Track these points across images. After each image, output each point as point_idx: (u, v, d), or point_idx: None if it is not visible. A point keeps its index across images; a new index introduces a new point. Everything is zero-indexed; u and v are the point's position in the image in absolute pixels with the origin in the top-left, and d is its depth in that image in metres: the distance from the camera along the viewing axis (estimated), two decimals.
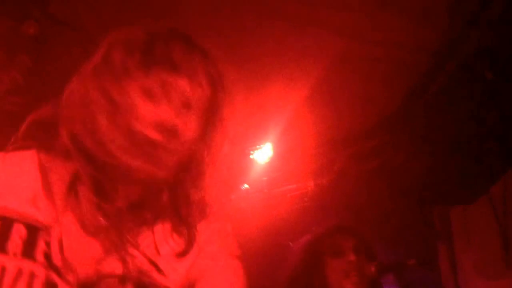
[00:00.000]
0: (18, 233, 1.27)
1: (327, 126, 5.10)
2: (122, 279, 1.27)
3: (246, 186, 5.28)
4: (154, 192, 1.45)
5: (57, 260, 1.25)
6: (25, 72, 4.07)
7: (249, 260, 5.47)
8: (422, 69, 4.48)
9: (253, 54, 4.33)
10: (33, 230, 1.28)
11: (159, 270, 1.34)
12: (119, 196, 1.38)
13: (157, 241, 1.39)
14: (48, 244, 1.27)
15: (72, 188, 1.37)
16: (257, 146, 5.10)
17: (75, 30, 4.25)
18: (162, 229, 1.43)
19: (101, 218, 1.34)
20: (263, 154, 5.14)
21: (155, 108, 1.38)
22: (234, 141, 5.33)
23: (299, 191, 5.34)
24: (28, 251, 1.26)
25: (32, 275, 1.22)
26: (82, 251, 1.29)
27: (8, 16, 4.13)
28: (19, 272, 1.22)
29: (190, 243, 1.43)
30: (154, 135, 1.36)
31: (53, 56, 4.20)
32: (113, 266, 1.30)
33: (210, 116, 1.55)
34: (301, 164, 5.25)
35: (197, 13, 3.97)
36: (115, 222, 1.35)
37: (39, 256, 1.25)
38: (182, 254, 1.41)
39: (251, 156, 5.11)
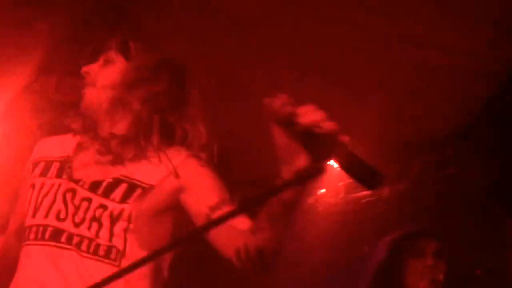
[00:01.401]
0: (55, 165, 2.20)
1: (404, 133, 5.17)
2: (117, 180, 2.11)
3: (323, 190, 5.41)
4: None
5: (76, 176, 2.15)
6: None
7: (325, 264, 5.60)
8: (500, 79, 4.50)
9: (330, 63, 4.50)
10: (64, 162, 2.20)
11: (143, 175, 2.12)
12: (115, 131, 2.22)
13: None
14: (71, 168, 2.18)
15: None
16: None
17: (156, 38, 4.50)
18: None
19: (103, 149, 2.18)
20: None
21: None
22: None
23: (374, 197, 5.42)
24: (59, 173, 2.18)
25: (59, 185, 2.13)
26: (92, 171, 2.15)
27: (98, 27, 4.41)
28: (53, 185, 2.14)
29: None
30: None
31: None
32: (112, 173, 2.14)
33: None
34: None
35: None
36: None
37: (65, 176, 2.16)
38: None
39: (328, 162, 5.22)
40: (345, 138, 1.60)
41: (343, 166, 1.57)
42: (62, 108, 4.14)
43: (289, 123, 1.60)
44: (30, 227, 2.10)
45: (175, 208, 2.12)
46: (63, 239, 2.03)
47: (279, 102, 1.61)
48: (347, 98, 4.59)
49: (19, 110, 4.30)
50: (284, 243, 1.90)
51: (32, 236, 2.08)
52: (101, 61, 2.31)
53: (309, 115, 1.57)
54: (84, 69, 2.27)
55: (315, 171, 1.63)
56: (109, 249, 2.01)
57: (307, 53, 4.54)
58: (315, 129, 1.56)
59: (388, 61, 4.35)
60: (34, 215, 2.10)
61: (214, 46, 4.49)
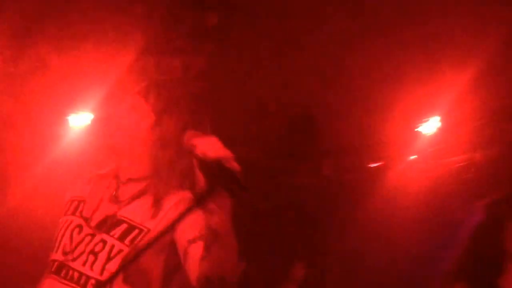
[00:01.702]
0: (73, 204, 2.40)
1: (496, 98, 5.14)
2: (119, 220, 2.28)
3: (413, 156, 5.46)
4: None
5: (86, 214, 2.33)
6: (209, 59, 4.50)
7: (415, 227, 5.65)
8: None
9: (425, 33, 4.52)
10: (80, 202, 2.39)
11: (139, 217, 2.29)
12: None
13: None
14: (84, 206, 2.36)
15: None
16: (425, 119, 5.27)
17: (250, 17, 4.62)
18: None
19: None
20: (430, 126, 5.30)
21: None
22: (402, 115, 5.50)
23: (465, 162, 5.43)
24: (74, 211, 2.38)
25: (71, 222, 2.33)
26: (99, 211, 2.33)
27: (192, 8, 4.57)
28: (67, 221, 2.35)
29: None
30: None
31: (233, 43, 4.59)
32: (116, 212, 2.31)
33: None
34: (468, 136, 5.33)
35: None
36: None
37: (77, 213, 2.35)
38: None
39: (418, 129, 5.30)
40: (234, 165, 1.94)
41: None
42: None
43: (192, 153, 2.02)
44: (49, 261, 2.35)
45: (168, 246, 2.25)
46: (63, 273, 2.25)
47: (186, 137, 2.06)
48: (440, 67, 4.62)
49: (125, 92, 4.51)
50: (234, 269, 2.07)
51: (48, 270, 2.32)
52: None
53: (201, 147, 1.97)
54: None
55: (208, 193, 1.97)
56: (97, 283, 2.20)
57: None
58: (206, 159, 1.94)
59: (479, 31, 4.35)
60: (53, 250, 2.34)
61: None
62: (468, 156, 5.43)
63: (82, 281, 2.21)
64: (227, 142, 1.93)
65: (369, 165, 5.76)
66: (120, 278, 2.19)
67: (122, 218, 2.28)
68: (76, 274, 2.23)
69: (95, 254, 2.23)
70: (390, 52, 4.84)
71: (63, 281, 2.24)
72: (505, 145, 5.30)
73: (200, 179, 2.00)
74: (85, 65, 4.73)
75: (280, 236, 5.97)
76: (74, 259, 2.25)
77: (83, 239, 2.27)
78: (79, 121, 5.44)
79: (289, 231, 6.03)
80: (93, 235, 2.27)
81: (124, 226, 2.26)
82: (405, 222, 5.50)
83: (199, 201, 2.01)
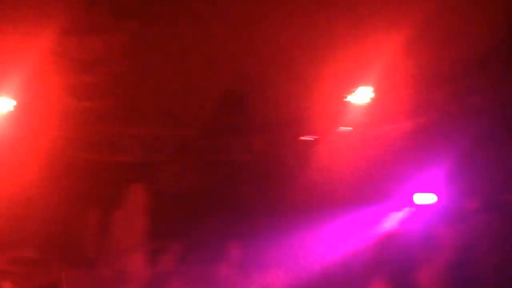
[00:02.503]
0: None
1: (426, 67, 5.15)
2: None
3: (345, 127, 5.42)
4: None
5: None
6: (132, 36, 4.31)
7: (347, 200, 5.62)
8: None
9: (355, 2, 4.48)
10: None
11: None
12: None
13: None
14: None
15: None
16: (356, 89, 5.24)
17: None
18: None
19: None
20: (362, 96, 5.28)
21: None
22: (334, 85, 5.43)
23: (398, 131, 5.43)
24: None
25: None
26: None
27: None
28: None
29: None
30: None
31: (157, 21, 4.41)
32: None
33: None
34: (400, 105, 5.33)
35: None
36: None
37: None
38: None
39: (349, 99, 5.26)
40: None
41: None
42: (85, 67, 4.14)
43: None
44: None
45: None
46: None
47: None
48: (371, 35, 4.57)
49: (46, 73, 4.30)
50: None
51: None
52: None
53: None
54: None
55: None
56: None
57: None
58: None
59: None
60: None
61: None
62: (400, 125, 5.42)
63: None
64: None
65: (301, 138, 5.68)
66: None
67: None
68: None
69: None
70: (319, 24, 4.77)
71: None
72: (433, 114, 5.34)
73: None
74: (3, 49, 4.45)
75: (214, 214, 5.87)
76: None
77: None
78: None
79: (223, 208, 5.94)
80: None
81: None
82: (337, 195, 5.50)
83: None
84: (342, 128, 5.50)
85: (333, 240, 5.46)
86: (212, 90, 5.50)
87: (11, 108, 5.06)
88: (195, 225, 5.45)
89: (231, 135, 5.81)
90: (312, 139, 5.57)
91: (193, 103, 5.39)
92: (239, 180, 5.91)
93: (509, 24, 4.85)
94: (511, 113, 5.21)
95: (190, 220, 5.46)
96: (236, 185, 5.88)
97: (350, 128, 5.45)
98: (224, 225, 5.64)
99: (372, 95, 5.24)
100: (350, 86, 5.26)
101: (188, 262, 5.31)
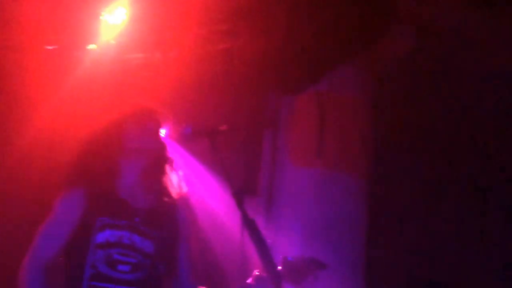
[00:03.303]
0: None
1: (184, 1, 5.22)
2: None
3: (93, 46, 5.40)
4: None
5: None
6: None
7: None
8: None
9: None
10: None
11: None
12: None
13: None
14: None
15: None
16: (111, 9, 5.20)
17: None
18: None
19: None
20: (116, 17, 5.25)
21: None
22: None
23: (145, 61, 5.51)
24: None
25: None
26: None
27: None
28: None
29: None
30: None
31: None
32: None
33: None
34: (152, 35, 5.40)
35: None
36: None
37: None
38: None
39: (102, 17, 5.22)
40: None
41: None
42: None
43: None
44: None
45: None
46: None
47: None
48: None
49: None
50: None
51: None
52: None
53: None
54: None
55: None
56: None
57: None
58: None
59: None
60: None
61: None
62: (148, 56, 5.51)
63: None
64: None
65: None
66: None
67: None
68: None
69: None
70: None
71: None
72: (185, 49, 5.45)
73: None
74: None
75: None
76: None
77: None
78: None
79: None
80: None
81: None
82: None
83: None
84: (90, 45, 5.44)
85: None
86: None
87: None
88: None
89: None
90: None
91: None
92: None
93: None
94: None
95: None
96: None
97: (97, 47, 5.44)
98: None
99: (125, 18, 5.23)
100: (106, 5, 5.23)
101: None
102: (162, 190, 3.20)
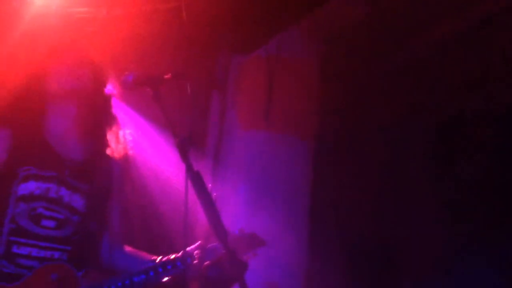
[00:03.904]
0: None
1: None
2: None
3: None
4: None
5: None
6: None
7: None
8: None
9: None
10: None
11: None
12: None
13: None
14: None
15: None
16: None
17: None
18: None
19: None
20: None
21: None
22: None
23: (90, 15, 5.36)
24: None
25: None
26: None
27: None
28: None
29: None
30: None
31: None
32: None
33: None
34: None
35: None
36: None
37: None
38: None
39: None
40: None
41: None
42: None
43: None
44: None
45: None
46: None
47: None
48: None
49: None
50: None
51: None
52: None
53: None
54: None
55: None
56: None
57: None
58: None
59: None
60: None
61: None
62: (93, 10, 5.36)
63: None
64: None
65: None
66: None
67: None
68: None
69: None
70: None
71: None
72: (132, 6, 5.33)
73: None
74: None
75: None
76: None
77: None
78: None
79: None
80: None
81: None
82: None
83: None
84: None
85: None
86: None
87: None
88: None
89: None
90: None
91: None
92: None
93: None
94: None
95: None
96: None
97: None
98: None
99: None
100: None
101: None
102: (97, 142, 2.96)
